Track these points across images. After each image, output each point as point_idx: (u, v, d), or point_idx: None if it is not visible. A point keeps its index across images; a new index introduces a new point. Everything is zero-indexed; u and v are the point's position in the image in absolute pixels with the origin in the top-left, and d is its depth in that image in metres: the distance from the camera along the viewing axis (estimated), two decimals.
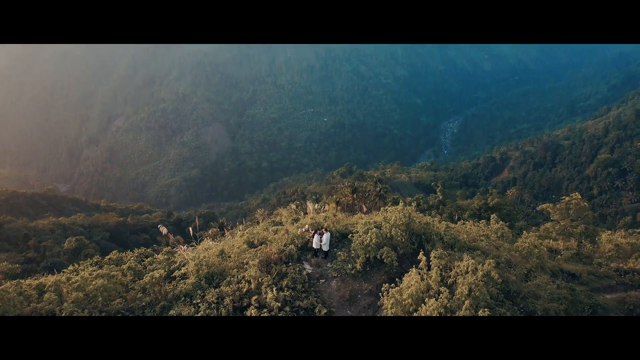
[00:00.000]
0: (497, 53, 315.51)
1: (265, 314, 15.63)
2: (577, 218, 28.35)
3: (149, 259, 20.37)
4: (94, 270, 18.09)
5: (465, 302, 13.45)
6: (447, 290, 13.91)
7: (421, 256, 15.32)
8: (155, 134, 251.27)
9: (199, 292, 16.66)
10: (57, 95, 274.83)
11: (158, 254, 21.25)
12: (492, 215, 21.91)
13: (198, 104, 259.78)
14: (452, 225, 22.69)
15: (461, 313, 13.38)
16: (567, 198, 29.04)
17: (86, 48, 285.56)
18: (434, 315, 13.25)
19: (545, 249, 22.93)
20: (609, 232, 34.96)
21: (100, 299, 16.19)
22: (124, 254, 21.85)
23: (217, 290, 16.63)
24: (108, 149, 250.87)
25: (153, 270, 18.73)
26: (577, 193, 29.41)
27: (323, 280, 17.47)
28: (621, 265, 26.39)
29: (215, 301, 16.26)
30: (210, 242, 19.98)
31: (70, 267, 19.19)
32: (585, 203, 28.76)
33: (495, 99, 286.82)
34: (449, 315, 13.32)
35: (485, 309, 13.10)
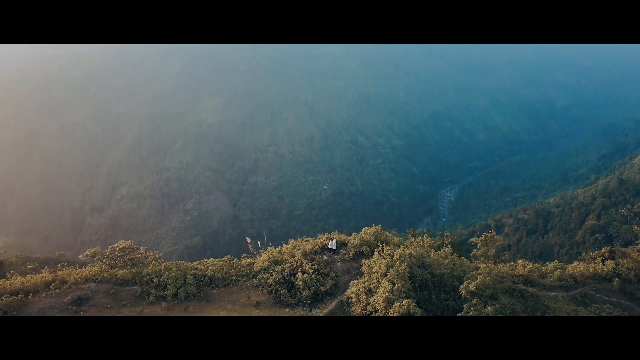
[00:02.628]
0: (490, 124, 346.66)
1: (306, 277, 34.71)
2: (492, 246, 47.37)
3: (235, 260, 39.38)
4: (213, 261, 37.44)
5: (397, 262, 32.63)
6: (390, 258, 33.15)
7: (380, 244, 34.69)
8: (159, 202, 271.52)
9: (271, 267, 35.94)
10: (63, 166, 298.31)
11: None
12: (425, 236, 41.49)
13: (201, 173, 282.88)
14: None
15: (395, 267, 32.58)
16: (485, 233, 48.43)
17: (94, 120, 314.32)
18: (382, 268, 32.16)
19: (460, 258, 41.94)
20: (524, 260, 54.05)
21: (224, 269, 35.31)
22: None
23: (280, 266, 35.86)
24: (111, 217, 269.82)
25: (240, 262, 38.05)
26: (493, 231, 48.78)
27: (333, 262, 36.71)
28: (515, 272, 45.11)
29: (279, 271, 35.35)
30: (271, 248, 39.53)
31: (197, 262, 38.21)
32: (497, 237, 48.02)
33: (491, 168, 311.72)
34: (391, 266, 32.25)
35: (407, 267, 32.28)
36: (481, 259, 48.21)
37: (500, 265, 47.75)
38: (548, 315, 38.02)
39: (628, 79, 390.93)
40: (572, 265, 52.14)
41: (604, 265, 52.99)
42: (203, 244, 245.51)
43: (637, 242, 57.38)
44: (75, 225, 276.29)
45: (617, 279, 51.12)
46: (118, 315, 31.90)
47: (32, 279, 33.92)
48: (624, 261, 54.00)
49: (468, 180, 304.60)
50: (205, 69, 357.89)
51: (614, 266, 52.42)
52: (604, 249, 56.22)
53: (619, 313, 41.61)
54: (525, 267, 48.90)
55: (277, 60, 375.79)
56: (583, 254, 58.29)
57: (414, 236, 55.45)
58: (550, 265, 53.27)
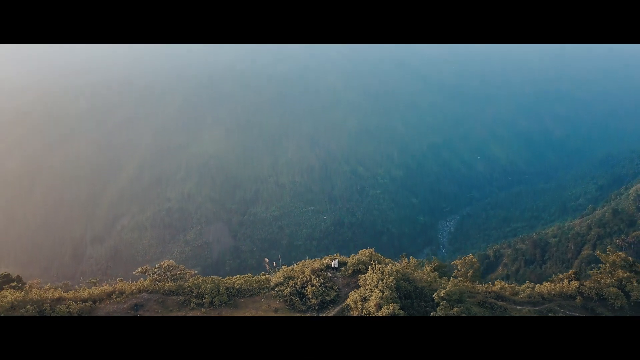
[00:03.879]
0: (489, 155, 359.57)
1: (314, 289, 44.75)
2: (470, 268, 57.32)
3: (256, 276, 49.37)
4: (239, 276, 47.51)
5: (386, 276, 42.74)
6: (381, 273, 43.29)
7: (373, 263, 44.85)
8: (160, 232, 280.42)
9: (286, 281, 46.10)
10: (66, 195, 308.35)
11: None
12: (411, 258, 51.79)
13: (202, 204, 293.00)
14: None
15: (384, 280, 42.69)
16: (465, 257, 58.55)
17: (97, 151, 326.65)
18: (374, 281, 42.05)
19: (443, 277, 51.87)
20: (500, 280, 64.03)
21: (248, 283, 45.43)
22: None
23: (293, 281, 45.98)
24: (112, 247, 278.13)
25: (260, 277, 48.15)
26: (471, 254, 58.95)
27: (336, 278, 46.85)
28: (488, 289, 55.00)
29: (293, 284, 45.42)
30: (285, 266, 49.77)
31: (227, 277, 48.23)
32: (474, 259, 58.09)
33: (490, 199, 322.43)
34: (381, 279, 42.18)
35: (392, 278, 42.41)
36: (460, 278, 58.03)
37: (478, 285, 57.60)
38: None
39: (625, 112, 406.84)
40: (542, 285, 62.22)
41: (569, 284, 63.12)
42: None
43: (600, 266, 67.30)
44: (76, 255, 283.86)
45: (579, 296, 61.26)
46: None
47: (97, 290, 44.09)
48: (587, 282, 64.17)
49: (467, 210, 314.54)
50: (207, 100, 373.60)
51: (578, 286, 62.62)
52: (570, 272, 66.41)
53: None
54: (498, 285, 58.92)
55: (278, 92, 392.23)
56: (553, 276, 68.33)
57: (405, 259, 65.59)
58: (524, 286, 63.36)
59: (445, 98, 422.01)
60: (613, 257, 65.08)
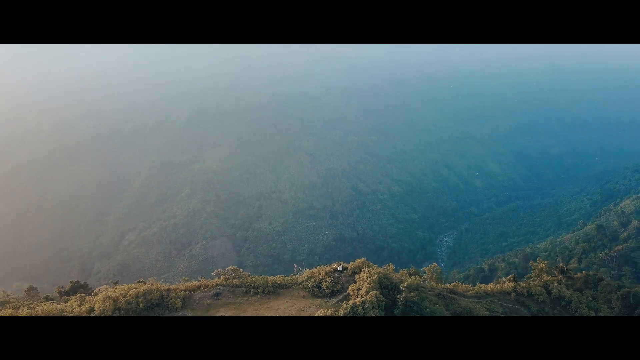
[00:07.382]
0: (487, 171, 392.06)
1: (327, 283, 75.31)
2: (434, 272, 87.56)
3: (288, 276, 79.65)
4: (278, 276, 78.12)
5: (372, 275, 73.24)
6: (369, 273, 73.86)
7: (364, 267, 75.24)
8: (166, 247, 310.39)
9: (309, 279, 76.67)
10: (74, 212, 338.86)
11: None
12: (390, 264, 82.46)
13: (207, 219, 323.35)
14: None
15: (371, 277, 73.26)
16: (430, 265, 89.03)
17: (104, 168, 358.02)
18: (364, 277, 72.03)
19: (413, 277, 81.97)
20: (457, 282, 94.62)
21: (285, 280, 75.95)
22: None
23: (313, 278, 76.56)
24: (120, 262, 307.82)
25: (291, 277, 78.85)
26: (434, 263, 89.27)
27: (341, 277, 77.36)
28: (445, 287, 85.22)
29: (313, 281, 75.98)
30: (307, 270, 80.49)
31: (270, 276, 78.58)
32: (439, 268, 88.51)
33: (488, 214, 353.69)
34: (369, 276, 72.25)
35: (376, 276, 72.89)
36: (418, 277, 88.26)
37: (440, 284, 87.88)
38: (456, 308, 78.24)
39: (621, 129, 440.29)
40: (488, 285, 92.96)
41: (508, 284, 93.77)
42: None
43: (532, 271, 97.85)
44: (84, 271, 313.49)
45: (514, 293, 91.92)
46: (234, 302, 72.11)
47: (190, 284, 74.74)
48: (522, 283, 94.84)
49: (465, 226, 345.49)
50: (211, 118, 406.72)
51: (514, 285, 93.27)
52: (510, 276, 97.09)
53: (501, 309, 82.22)
54: (454, 284, 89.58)
55: (280, 111, 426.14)
56: (499, 279, 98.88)
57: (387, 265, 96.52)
58: (476, 286, 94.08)
59: (443, 116, 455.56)
60: (541, 265, 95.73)
